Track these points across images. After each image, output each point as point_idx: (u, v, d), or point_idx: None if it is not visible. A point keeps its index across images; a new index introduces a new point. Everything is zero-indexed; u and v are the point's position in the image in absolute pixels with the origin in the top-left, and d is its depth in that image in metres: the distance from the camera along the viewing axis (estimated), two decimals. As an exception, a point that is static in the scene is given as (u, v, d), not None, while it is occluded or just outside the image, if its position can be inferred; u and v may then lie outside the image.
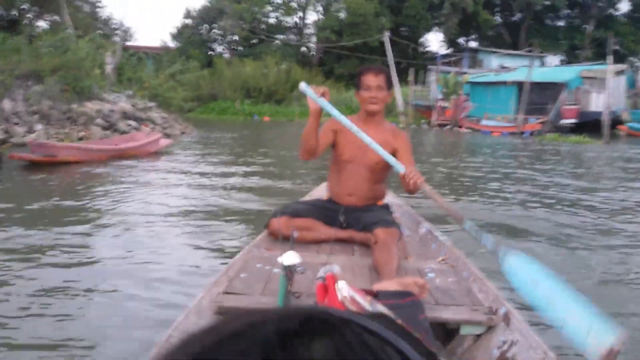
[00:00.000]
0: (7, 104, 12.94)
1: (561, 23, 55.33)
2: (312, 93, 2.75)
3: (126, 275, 3.94)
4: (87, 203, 6.55)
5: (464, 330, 2.15)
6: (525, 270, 1.66)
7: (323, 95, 2.75)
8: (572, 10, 54.87)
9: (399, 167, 2.72)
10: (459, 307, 2.20)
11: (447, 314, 2.14)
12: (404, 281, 2.18)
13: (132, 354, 2.71)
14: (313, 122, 2.95)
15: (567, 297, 1.48)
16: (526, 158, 13.68)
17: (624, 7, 53.10)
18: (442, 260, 2.89)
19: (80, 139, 12.85)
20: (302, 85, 2.82)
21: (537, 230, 5.62)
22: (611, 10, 52.76)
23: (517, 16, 52.97)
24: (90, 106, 14.55)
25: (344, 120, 2.76)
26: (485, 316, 2.12)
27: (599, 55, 45.88)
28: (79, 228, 5.25)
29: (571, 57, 49.12)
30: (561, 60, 51.32)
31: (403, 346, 0.34)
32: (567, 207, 6.96)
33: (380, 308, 1.63)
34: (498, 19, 54.06)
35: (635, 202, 7.60)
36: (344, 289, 1.66)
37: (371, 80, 3.05)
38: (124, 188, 7.55)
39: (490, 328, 2.12)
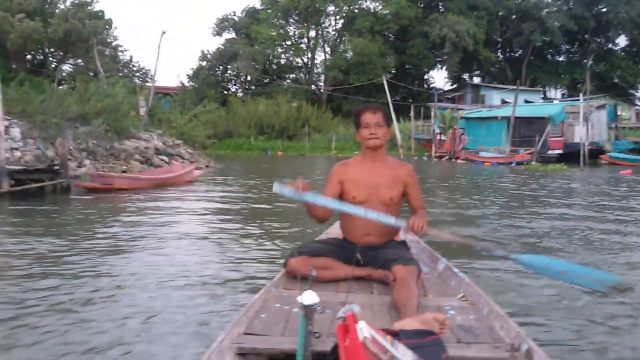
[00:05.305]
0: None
1: (561, 58, 57.37)
2: (290, 192, 2.81)
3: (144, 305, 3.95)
4: (132, 222, 7.90)
5: None
6: (537, 261, 2.70)
7: (299, 188, 2.82)
8: (572, 46, 57.31)
9: (401, 224, 2.91)
10: (481, 345, 2.19)
11: (470, 353, 2.12)
12: (424, 318, 2.16)
13: None
14: (309, 210, 3.08)
15: (569, 266, 2.68)
16: (501, 181, 16.26)
17: (621, 42, 55.29)
18: (462, 297, 2.85)
19: (124, 171, 15.16)
20: (276, 187, 2.82)
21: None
22: (610, 45, 55.10)
23: (519, 52, 55.09)
24: (129, 144, 17.00)
25: (334, 205, 3.00)
26: (507, 353, 2.10)
27: (600, 89, 47.95)
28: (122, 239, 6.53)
29: (572, 91, 50.65)
30: (562, 94, 53.36)
31: None
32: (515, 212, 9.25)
33: (401, 349, 1.63)
34: (500, 55, 56.33)
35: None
36: (364, 329, 1.66)
37: (369, 118, 3.09)
38: (164, 211, 9.26)
39: None
